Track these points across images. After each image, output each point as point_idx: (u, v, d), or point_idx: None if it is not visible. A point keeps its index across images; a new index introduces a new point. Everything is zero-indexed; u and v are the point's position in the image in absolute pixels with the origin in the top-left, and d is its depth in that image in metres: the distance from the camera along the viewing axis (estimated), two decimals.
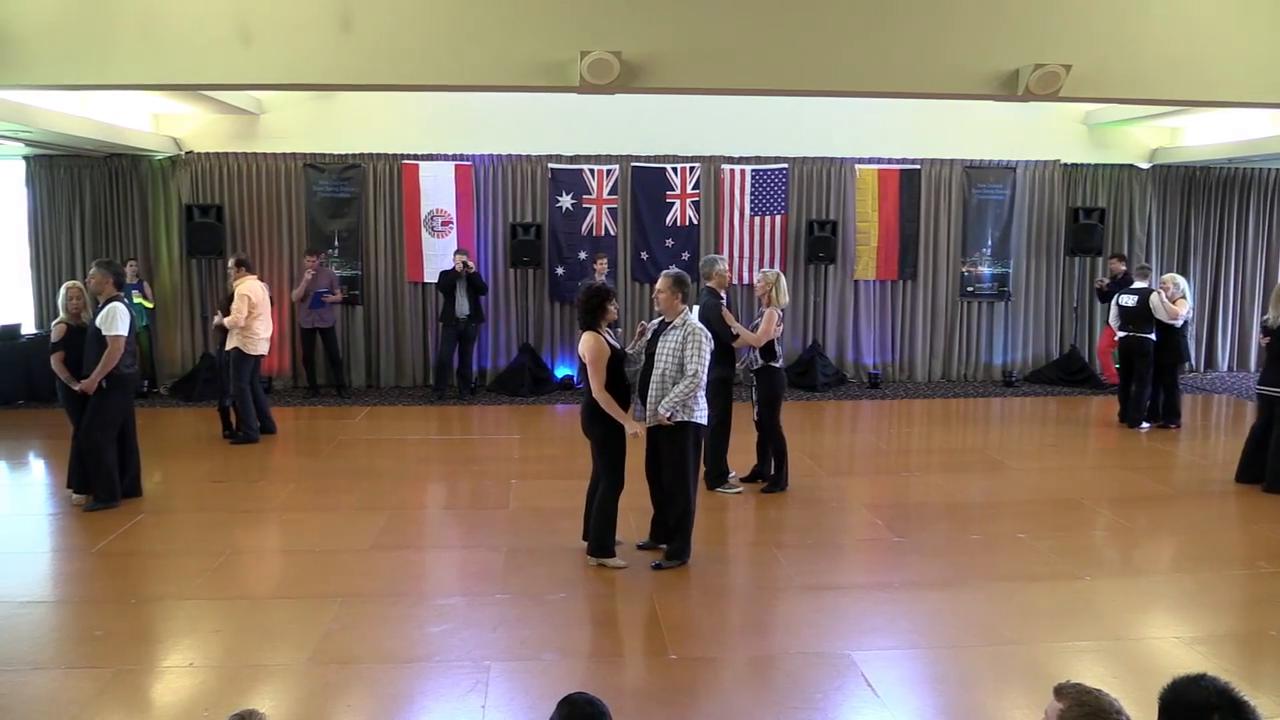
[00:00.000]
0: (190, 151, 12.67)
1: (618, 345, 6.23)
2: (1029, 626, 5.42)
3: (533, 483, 8.40)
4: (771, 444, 8.05)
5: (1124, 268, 12.31)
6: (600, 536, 6.29)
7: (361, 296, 12.88)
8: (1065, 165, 13.56)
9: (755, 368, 7.92)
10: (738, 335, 7.81)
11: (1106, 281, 12.58)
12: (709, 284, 8.03)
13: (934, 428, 11.18)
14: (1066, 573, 6.25)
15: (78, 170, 12.61)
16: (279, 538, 7.14)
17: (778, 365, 7.93)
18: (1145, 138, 13.66)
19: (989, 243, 13.48)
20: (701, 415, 6.19)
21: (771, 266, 12.84)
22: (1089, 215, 13.17)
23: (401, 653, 5.10)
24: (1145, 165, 13.76)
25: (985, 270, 13.54)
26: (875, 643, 5.21)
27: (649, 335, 6.39)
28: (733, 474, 8.14)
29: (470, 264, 12.00)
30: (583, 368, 6.19)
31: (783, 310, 7.89)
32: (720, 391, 7.88)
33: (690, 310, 6.41)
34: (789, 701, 4.58)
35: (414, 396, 12.45)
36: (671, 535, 6.32)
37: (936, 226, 13.47)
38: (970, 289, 13.58)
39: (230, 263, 10.23)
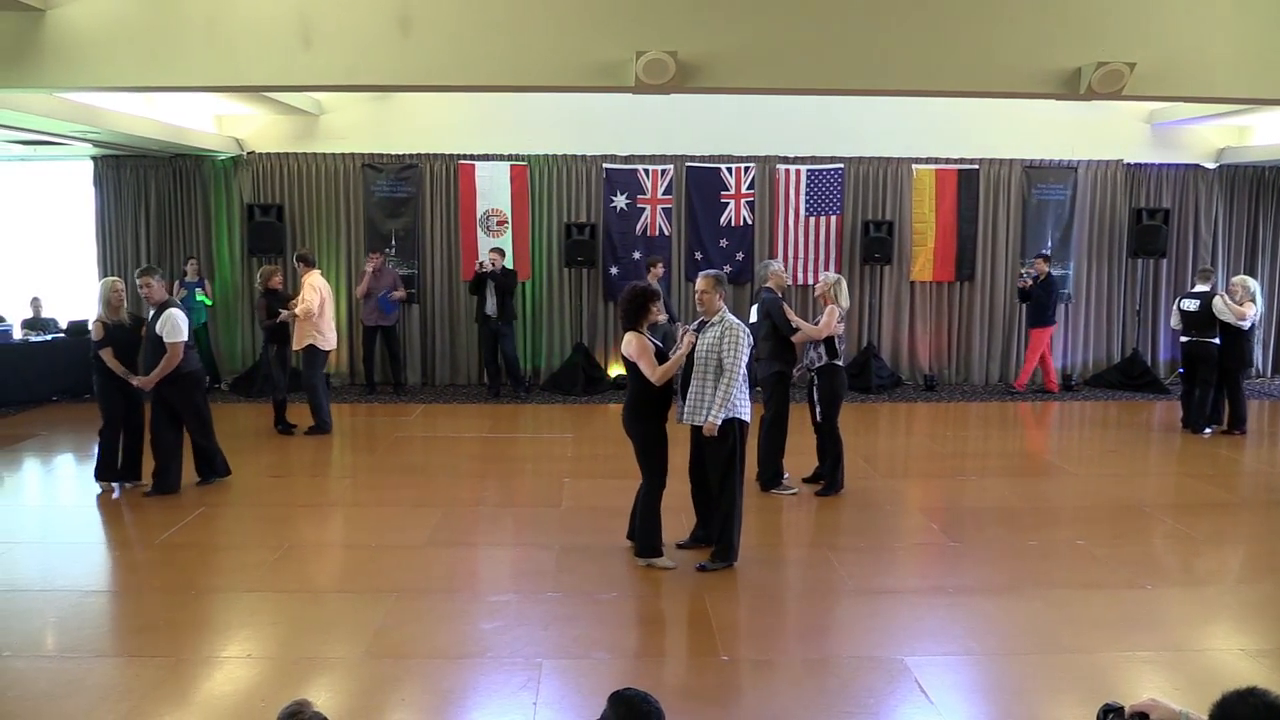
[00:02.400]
0: (252, 152, 12.92)
1: (657, 344, 6.21)
2: (1087, 635, 5.33)
3: (585, 481, 8.44)
4: (828, 445, 8.00)
5: (1047, 268, 12.38)
6: (647, 537, 6.29)
7: (418, 295, 13.02)
8: (1128, 165, 13.28)
9: (819, 365, 7.87)
10: (798, 329, 7.79)
11: (1029, 281, 12.46)
12: (767, 284, 8.06)
13: (991, 431, 11.03)
14: (1126, 581, 6.13)
15: (143, 170, 12.91)
16: (336, 532, 7.25)
17: (839, 363, 7.90)
18: (1212, 137, 13.32)
19: (1049, 244, 13.24)
20: (744, 411, 6.17)
21: (827, 267, 12.82)
22: (1152, 216, 12.88)
23: (454, 648, 5.15)
24: (1211, 165, 13.43)
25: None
26: (929, 648, 5.15)
27: (690, 335, 6.36)
28: (786, 475, 8.09)
29: (496, 262, 12.05)
30: (629, 367, 6.20)
31: (843, 311, 7.84)
32: (778, 387, 7.90)
33: (730, 309, 6.40)
34: (841, 705, 4.55)
35: (468, 394, 12.56)
36: (718, 536, 6.29)
37: (995, 227, 13.28)
38: None
39: (294, 259, 10.43)
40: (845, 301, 7.90)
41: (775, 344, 7.87)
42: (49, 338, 12.30)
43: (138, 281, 7.85)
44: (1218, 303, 10.23)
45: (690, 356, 6.20)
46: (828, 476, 8.00)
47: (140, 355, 7.94)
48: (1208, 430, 10.40)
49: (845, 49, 7.19)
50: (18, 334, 12.48)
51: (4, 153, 12.50)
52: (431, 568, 6.38)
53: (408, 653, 5.09)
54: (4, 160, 13.33)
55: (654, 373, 5.99)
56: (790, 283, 12.56)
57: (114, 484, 8.05)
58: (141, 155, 12.66)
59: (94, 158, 12.84)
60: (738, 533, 6.28)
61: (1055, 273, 13.15)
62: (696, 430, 6.24)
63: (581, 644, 5.19)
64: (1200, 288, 10.58)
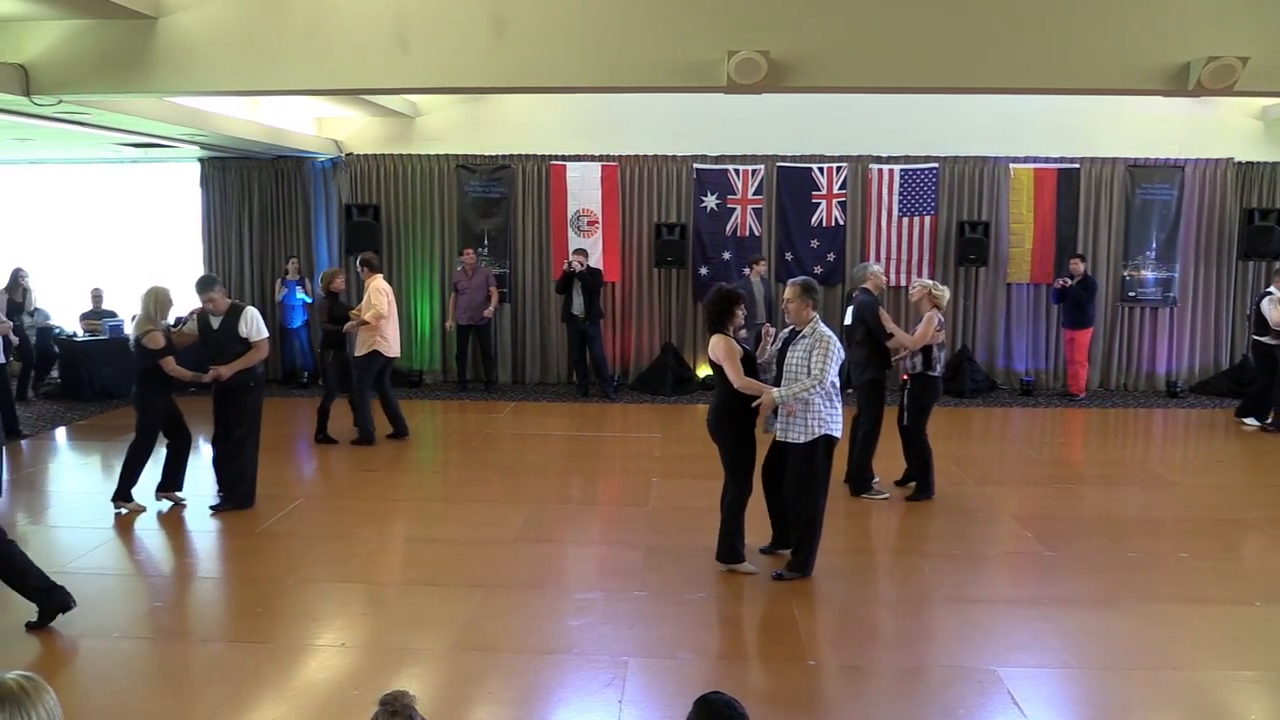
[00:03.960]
0: (350, 153, 13.24)
1: (747, 348, 6.12)
2: (1190, 652, 5.13)
3: (673, 481, 8.44)
4: (915, 452, 7.86)
5: (1084, 268, 12.08)
6: (728, 540, 6.20)
7: (509, 295, 13.18)
8: (1239, 164, 12.74)
9: (913, 372, 7.72)
10: (891, 335, 7.66)
11: (1067, 281, 12.11)
12: (864, 285, 7.93)
13: (1090, 438, 10.72)
14: (1233, 597, 5.89)
15: (247, 171, 13.34)
16: (427, 527, 7.37)
17: (935, 374, 7.71)
18: None
19: (1153, 245, 12.80)
20: (835, 427, 5.97)
21: (920, 269, 12.60)
22: (1265, 217, 12.34)
23: (541, 644, 5.20)
24: None
25: (1149, 274, 12.87)
26: (1023, 659, 5.02)
27: (778, 343, 6.21)
28: (876, 479, 7.98)
29: (584, 263, 12.12)
30: (715, 369, 6.10)
31: (941, 317, 7.65)
32: (873, 394, 7.80)
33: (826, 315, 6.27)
34: (930, 715, 4.47)
35: (558, 393, 12.67)
36: (796, 547, 6.15)
37: (1096, 228, 12.87)
38: (1132, 294, 12.93)
39: (357, 262, 10.32)
40: (943, 306, 7.70)
41: (870, 349, 7.73)
42: None
43: (201, 297, 7.48)
44: (1265, 303, 10.30)
45: (779, 368, 6.05)
46: (918, 481, 7.87)
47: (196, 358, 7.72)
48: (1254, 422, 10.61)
49: (941, 46, 7.06)
50: (129, 329, 12.99)
51: (116, 155, 13.03)
52: (519, 564, 6.45)
53: (495, 647, 5.16)
54: (116, 163, 13.90)
55: (739, 380, 5.89)
56: (888, 284, 12.39)
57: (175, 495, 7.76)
58: (245, 157, 13.08)
59: (200, 160, 13.31)
60: (816, 546, 6.14)
61: (1159, 275, 12.74)
62: (782, 441, 6.08)
63: (667, 644, 5.19)
64: (1272, 287, 10.59)
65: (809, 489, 5.99)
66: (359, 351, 9.71)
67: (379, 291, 9.68)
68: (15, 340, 12.11)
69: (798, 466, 5.98)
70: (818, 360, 5.82)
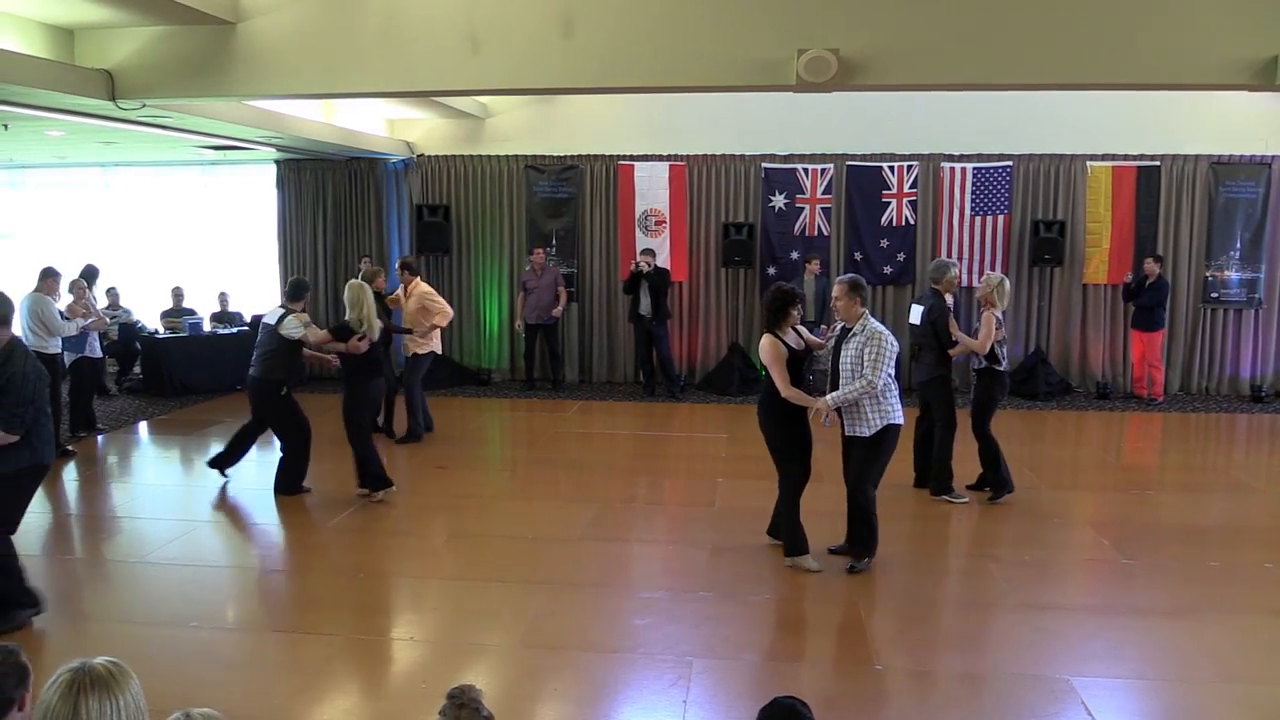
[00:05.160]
0: (421, 154, 13.42)
1: (796, 347, 6.11)
2: (1274, 665, 4.96)
3: (739, 482, 8.40)
4: (982, 448, 7.75)
5: (1158, 269, 11.71)
6: (791, 535, 6.24)
7: (576, 294, 13.25)
8: None
9: (977, 368, 7.68)
10: (957, 342, 7.58)
11: (1130, 280, 11.88)
12: (936, 287, 7.83)
13: (1170, 443, 10.43)
14: None
15: (321, 173, 13.60)
16: (495, 523, 7.43)
17: (1000, 369, 7.62)
18: None
19: (1238, 245, 12.40)
20: (898, 415, 6.04)
21: (993, 268, 12.36)
22: None
23: (607, 642, 5.22)
24: None
25: (1233, 275, 12.47)
26: (1097, 669, 4.89)
27: (833, 339, 6.25)
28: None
29: (651, 263, 12.11)
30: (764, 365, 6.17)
31: (1001, 315, 7.54)
32: (941, 390, 7.77)
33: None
34: None
35: (624, 392, 12.70)
36: (853, 534, 6.25)
37: (1177, 228, 12.50)
38: (1215, 295, 12.54)
39: (397, 265, 10.44)
40: (1005, 303, 7.59)
41: (940, 350, 7.68)
42: (234, 330, 13.21)
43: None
44: None
45: (834, 366, 6.11)
46: (992, 480, 7.75)
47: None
48: None
49: (1015, 41, 6.91)
50: (207, 327, 13.38)
51: (196, 158, 13.39)
52: (586, 562, 6.48)
53: (561, 644, 5.18)
54: (196, 165, 14.28)
55: (785, 388, 5.97)
56: (960, 284, 12.20)
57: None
58: (320, 158, 13.34)
59: (276, 161, 13.61)
60: (876, 529, 6.18)
61: (1244, 275, 12.34)
62: (848, 438, 6.14)
63: (732, 645, 5.17)
64: None
65: (869, 477, 6.08)
66: (420, 351, 9.88)
67: (433, 296, 9.86)
68: (114, 337, 12.59)
69: (863, 457, 6.06)
70: (870, 359, 5.85)
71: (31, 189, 15.52)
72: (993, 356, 7.56)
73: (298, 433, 7.92)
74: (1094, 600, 5.94)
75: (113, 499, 8.11)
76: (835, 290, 6.17)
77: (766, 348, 6.03)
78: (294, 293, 7.99)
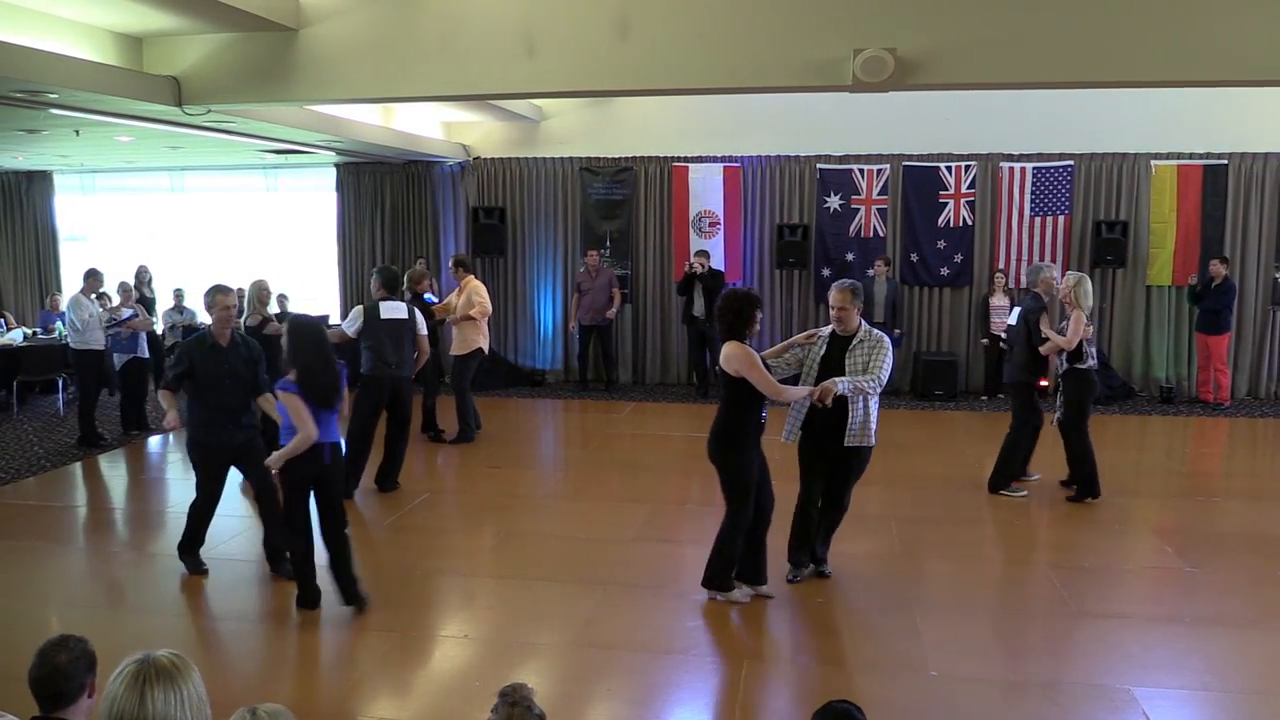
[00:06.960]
0: (477, 157, 13.55)
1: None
2: None
3: (792, 485, 8.29)
4: (1074, 448, 7.68)
5: (1225, 270, 11.40)
6: (720, 569, 5.68)
7: (630, 295, 13.29)
8: None
9: (1061, 371, 7.67)
10: (1046, 339, 7.54)
11: (1196, 281, 11.63)
12: (1035, 289, 7.90)
13: (1237, 449, 10.18)
14: None
15: (379, 176, 13.81)
16: (548, 523, 7.49)
17: (1085, 367, 7.57)
18: None
19: None
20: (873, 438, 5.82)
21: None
22: None
23: (659, 643, 5.22)
24: None
25: None
26: (1160, 680, 4.79)
27: (823, 347, 5.82)
28: (1037, 475, 8.04)
29: (705, 264, 12.08)
30: (727, 384, 5.48)
31: (1087, 315, 7.49)
32: (1025, 395, 7.82)
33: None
34: None
35: (678, 394, 12.70)
36: (812, 545, 6.17)
37: (1245, 228, 12.19)
38: None
39: (450, 263, 10.56)
40: (1088, 301, 7.51)
41: (1030, 353, 7.67)
42: None
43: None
44: None
45: (820, 373, 5.72)
46: (1080, 482, 7.71)
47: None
48: None
49: (1076, 38, 6.78)
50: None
51: (259, 161, 13.65)
52: (638, 562, 6.50)
53: (614, 644, 5.20)
54: (259, 169, 14.56)
55: (772, 388, 5.39)
56: (1015, 285, 12.04)
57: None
58: (378, 162, 13.53)
59: (336, 164, 13.83)
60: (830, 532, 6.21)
61: None
62: (837, 449, 5.79)
63: (785, 648, 5.16)
64: None
65: (852, 485, 6.06)
66: (461, 350, 9.86)
67: (480, 291, 9.91)
68: (162, 337, 12.83)
69: (858, 468, 5.96)
70: (877, 361, 5.66)
71: (102, 193, 15.93)
72: (1077, 356, 7.51)
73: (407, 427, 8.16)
74: (1156, 609, 5.82)
75: (170, 497, 8.26)
76: (837, 297, 5.75)
77: (738, 354, 5.34)
78: (392, 283, 8.17)
